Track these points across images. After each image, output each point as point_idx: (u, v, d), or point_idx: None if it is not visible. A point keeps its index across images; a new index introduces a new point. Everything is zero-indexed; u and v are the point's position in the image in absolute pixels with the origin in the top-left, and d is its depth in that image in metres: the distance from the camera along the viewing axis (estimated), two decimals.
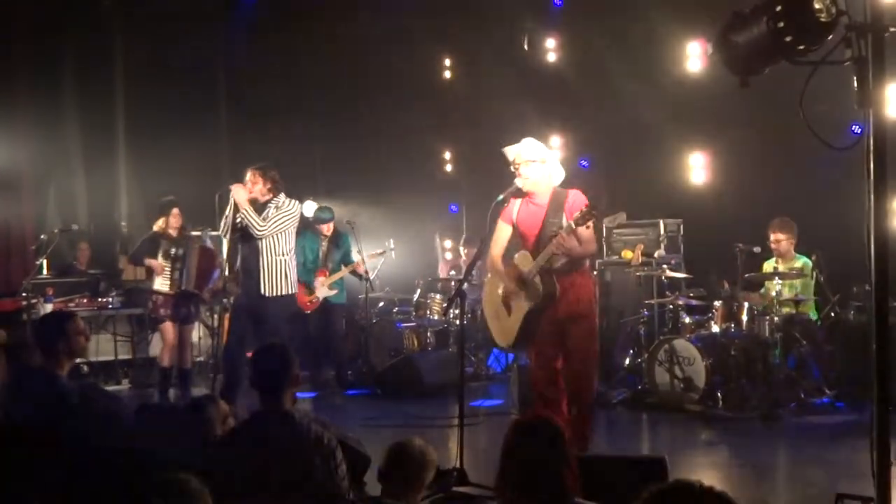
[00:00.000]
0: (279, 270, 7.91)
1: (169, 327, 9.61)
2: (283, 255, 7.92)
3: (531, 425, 3.58)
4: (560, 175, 6.28)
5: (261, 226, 7.79)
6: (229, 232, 7.93)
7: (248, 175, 7.98)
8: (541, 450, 3.42)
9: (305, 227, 10.46)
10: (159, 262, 9.59)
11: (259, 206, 7.90)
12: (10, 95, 11.94)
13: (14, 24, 11.95)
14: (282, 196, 7.99)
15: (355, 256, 10.52)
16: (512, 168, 6.22)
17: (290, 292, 8.02)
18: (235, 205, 7.81)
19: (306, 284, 10.35)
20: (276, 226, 7.86)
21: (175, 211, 9.69)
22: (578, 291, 6.10)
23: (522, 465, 3.42)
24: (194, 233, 9.81)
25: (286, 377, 4.12)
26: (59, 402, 4.78)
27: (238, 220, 7.82)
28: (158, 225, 9.74)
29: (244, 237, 7.96)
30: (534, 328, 6.11)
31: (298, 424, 4.02)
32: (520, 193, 6.21)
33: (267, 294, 7.88)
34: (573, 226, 5.82)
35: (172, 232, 9.66)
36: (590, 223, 5.87)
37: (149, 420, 4.78)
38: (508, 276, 6.27)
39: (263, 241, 7.85)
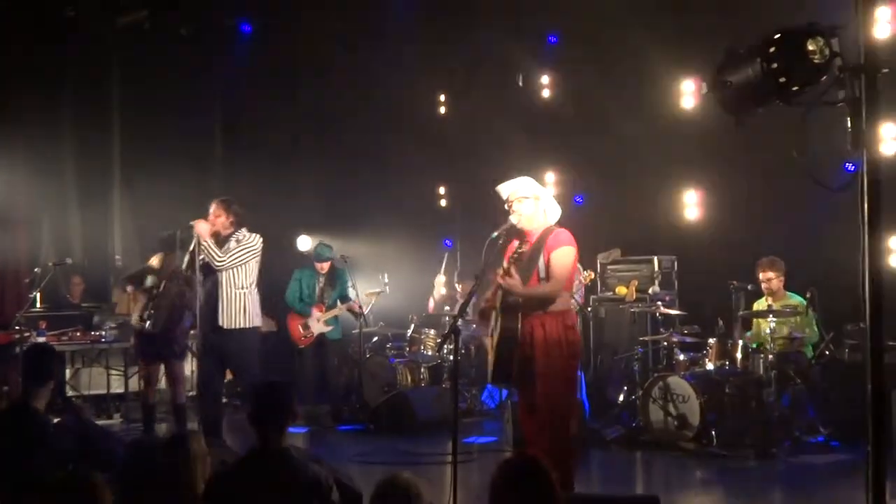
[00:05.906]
0: (238, 303, 7.89)
1: (144, 364, 9.02)
2: (242, 288, 7.90)
3: (517, 465, 3.55)
4: (556, 212, 6.26)
5: (219, 258, 7.78)
6: (194, 268, 7.89)
7: (212, 207, 7.98)
8: (527, 490, 3.40)
9: (304, 262, 10.42)
10: (138, 293, 8.88)
11: (221, 240, 7.91)
12: (5, 128, 11.95)
13: (10, 56, 11.98)
14: (244, 230, 7.99)
15: (352, 294, 10.51)
16: (506, 206, 6.21)
17: (249, 325, 7.97)
18: (198, 239, 7.79)
19: (301, 318, 10.43)
20: (235, 259, 7.85)
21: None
22: (547, 333, 5.94)
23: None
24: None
25: (287, 414, 4.11)
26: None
27: (201, 255, 7.80)
28: (153, 261, 8.79)
29: (206, 272, 7.92)
30: (507, 365, 6.00)
31: (296, 463, 3.99)
32: (514, 230, 6.20)
33: (224, 326, 7.85)
34: (504, 266, 5.88)
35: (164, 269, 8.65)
36: (559, 263, 5.96)
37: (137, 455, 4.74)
38: (483, 312, 6.27)
39: (224, 274, 7.84)
